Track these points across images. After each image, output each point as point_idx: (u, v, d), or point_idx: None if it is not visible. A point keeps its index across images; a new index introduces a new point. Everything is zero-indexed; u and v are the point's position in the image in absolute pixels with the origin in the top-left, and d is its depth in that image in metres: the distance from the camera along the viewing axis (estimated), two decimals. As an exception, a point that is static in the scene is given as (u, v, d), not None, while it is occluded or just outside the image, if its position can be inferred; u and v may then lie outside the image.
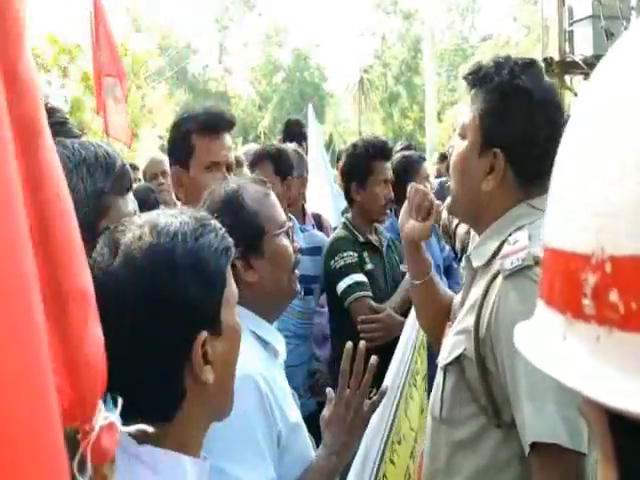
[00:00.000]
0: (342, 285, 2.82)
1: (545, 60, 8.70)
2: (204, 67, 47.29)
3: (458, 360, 1.46)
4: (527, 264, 1.34)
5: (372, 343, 2.71)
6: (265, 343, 1.62)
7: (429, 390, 2.48)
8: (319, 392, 2.94)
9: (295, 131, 5.20)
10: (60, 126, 2.05)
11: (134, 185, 3.48)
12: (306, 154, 5.13)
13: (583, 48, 8.40)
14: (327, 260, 2.92)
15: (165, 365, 1.01)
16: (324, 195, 4.42)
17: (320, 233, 3.35)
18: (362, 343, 1.63)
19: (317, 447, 2.80)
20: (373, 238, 3.03)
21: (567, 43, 8.74)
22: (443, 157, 5.78)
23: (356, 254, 2.89)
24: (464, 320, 1.49)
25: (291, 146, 3.49)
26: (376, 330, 2.74)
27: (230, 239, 1.12)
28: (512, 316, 1.32)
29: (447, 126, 31.19)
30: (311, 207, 4.13)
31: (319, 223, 3.69)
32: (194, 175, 2.15)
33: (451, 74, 42.85)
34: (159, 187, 4.36)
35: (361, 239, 2.97)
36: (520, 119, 1.48)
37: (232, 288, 1.11)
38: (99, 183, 1.35)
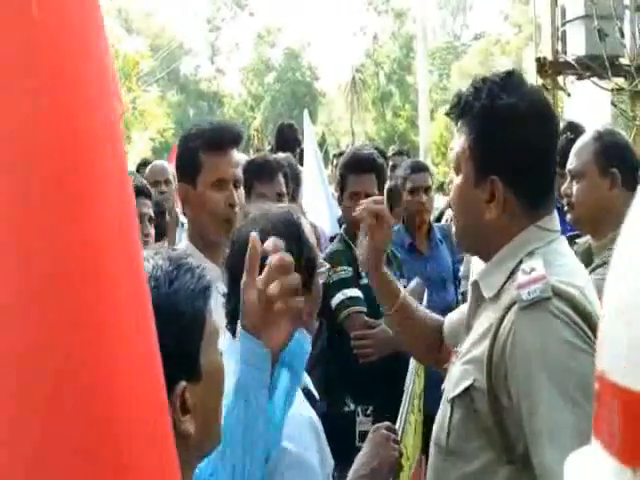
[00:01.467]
0: (336, 300, 2.76)
1: (538, 60, 8.65)
2: (196, 67, 47.19)
3: (467, 391, 1.40)
4: (546, 296, 1.28)
5: (367, 359, 2.67)
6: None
7: (424, 406, 2.42)
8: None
9: (288, 136, 5.12)
10: None
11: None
12: (300, 160, 5.07)
13: (576, 48, 8.35)
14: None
15: None
16: (320, 203, 4.36)
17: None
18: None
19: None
20: None
21: (560, 43, 8.69)
22: (400, 152, 5.78)
23: (351, 268, 2.83)
24: (473, 349, 1.43)
25: (282, 156, 3.43)
26: (370, 346, 2.69)
27: (208, 276, 1.06)
28: (529, 351, 1.28)
29: (439, 125, 31.18)
30: (308, 216, 4.07)
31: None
32: (201, 192, 2.11)
33: (443, 72, 42.85)
34: (161, 195, 4.23)
35: (357, 253, 2.91)
36: (510, 139, 1.42)
37: (213, 326, 1.06)
38: None
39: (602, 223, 2.20)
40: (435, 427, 1.53)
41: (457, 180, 1.51)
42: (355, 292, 2.78)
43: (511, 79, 1.45)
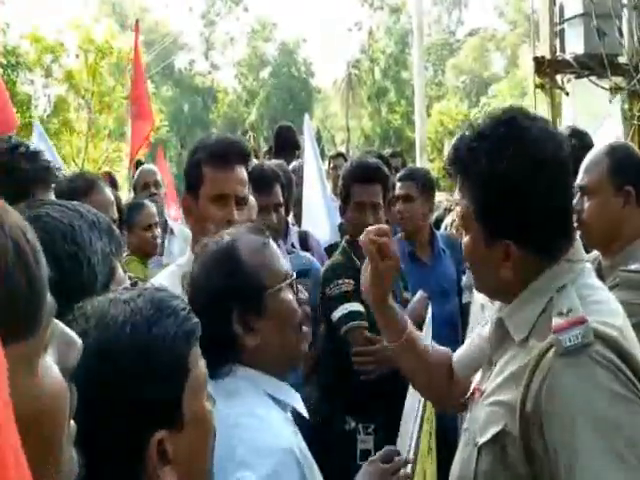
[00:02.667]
0: (337, 314, 2.69)
1: (536, 59, 8.60)
2: (190, 62, 46.99)
3: (497, 437, 1.30)
4: (588, 342, 1.19)
5: (367, 376, 2.60)
6: (280, 403, 1.48)
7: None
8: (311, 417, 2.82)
9: (287, 138, 5.03)
10: (45, 172, 1.94)
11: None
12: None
13: (574, 47, 8.30)
14: (323, 287, 2.80)
15: (115, 475, 0.91)
16: (320, 209, 4.29)
17: (306, 253, 3.21)
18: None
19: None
20: None
21: (558, 41, 8.63)
22: (394, 154, 5.73)
23: (353, 281, 2.75)
24: (501, 391, 1.33)
25: (275, 163, 3.37)
26: (371, 362, 2.62)
27: (195, 319, 1.01)
28: (570, 401, 1.18)
29: (434, 121, 31.12)
30: (307, 223, 4.01)
31: (305, 242, 3.54)
32: (202, 205, 2.06)
33: (438, 68, 42.78)
34: (151, 198, 4.26)
35: (359, 265, 2.83)
36: (518, 205, 1.32)
37: (199, 372, 1.00)
38: (107, 246, 1.25)
39: (614, 241, 2.13)
40: (456, 472, 1.44)
41: (467, 238, 1.43)
42: (356, 306, 2.71)
43: (511, 129, 1.34)
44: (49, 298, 0.62)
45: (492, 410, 1.34)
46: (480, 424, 1.36)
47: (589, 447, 1.16)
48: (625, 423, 1.17)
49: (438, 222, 4.51)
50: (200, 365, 1.01)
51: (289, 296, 1.50)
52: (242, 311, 1.42)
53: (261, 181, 2.66)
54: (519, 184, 1.31)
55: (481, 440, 1.34)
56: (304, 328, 1.54)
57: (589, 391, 1.19)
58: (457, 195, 1.46)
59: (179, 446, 0.95)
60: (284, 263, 1.54)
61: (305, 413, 1.52)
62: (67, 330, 0.69)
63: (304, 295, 1.58)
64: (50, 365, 0.64)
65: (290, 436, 1.38)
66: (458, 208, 1.46)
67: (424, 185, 3.62)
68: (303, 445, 1.43)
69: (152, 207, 3.82)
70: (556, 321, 1.25)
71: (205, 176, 2.06)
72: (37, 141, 4.92)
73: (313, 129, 6.06)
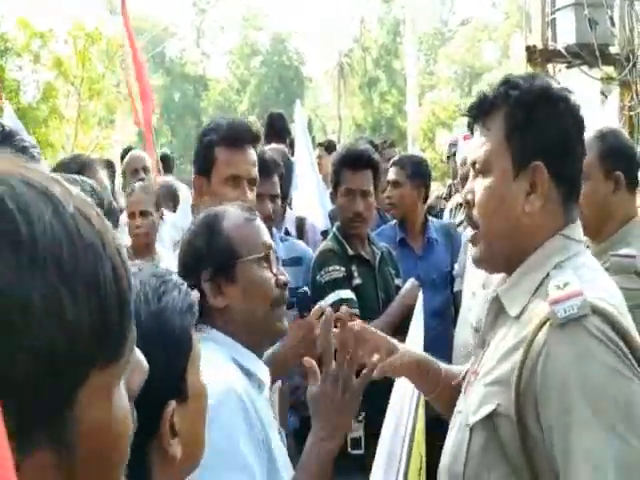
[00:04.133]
0: (327, 301, 2.67)
1: (528, 48, 8.58)
2: (182, 51, 46.65)
3: (489, 417, 1.30)
4: (583, 313, 1.20)
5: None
6: (249, 374, 1.50)
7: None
8: (301, 408, 2.82)
9: (278, 126, 5.02)
10: (22, 152, 1.91)
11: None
12: (291, 150, 4.98)
13: (566, 36, 8.29)
14: (314, 273, 2.79)
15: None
16: (312, 196, 4.28)
17: (300, 242, 3.19)
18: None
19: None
20: (366, 250, 2.88)
21: (550, 31, 8.62)
22: (392, 144, 5.66)
23: (343, 268, 2.74)
24: (496, 369, 1.33)
25: (274, 147, 3.34)
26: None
27: (193, 294, 1.03)
28: (565, 373, 1.18)
29: (426, 110, 31.10)
30: (299, 209, 4.00)
31: (301, 228, 3.53)
32: (214, 186, 2.12)
33: (430, 58, 42.69)
34: (139, 182, 4.22)
35: (350, 252, 2.82)
36: (548, 122, 1.39)
37: (197, 346, 1.01)
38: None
39: (604, 227, 2.13)
40: (447, 456, 1.43)
41: (486, 181, 1.42)
42: (347, 293, 2.70)
43: (528, 76, 1.46)
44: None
45: (488, 390, 1.33)
46: (475, 404, 1.35)
47: (583, 421, 1.16)
48: (620, 397, 1.17)
49: (430, 209, 4.49)
50: (196, 340, 1.02)
51: (263, 271, 1.57)
52: (213, 272, 1.52)
53: (260, 168, 2.65)
54: (549, 102, 1.39)
55: (473, 419, 1.34)
56: (280, 307, 1.59)
57: (584, 364, 1.19)
58: (476, 142, 1.45)
59: (182, 418, 0.95)
60: (265, 240, 1.60)
61: (267, 382, 1.55)
62: (137, 352, 0.67)
63: (285, 277, 1.62)
64: (123, 390, 0.61)
65: (239, 384, 1.40)
66: (476, 156, 1.44)
67: (413, 171, 3.59)
68: (263, 411, 1.44)
69: (140, 194, 3.55)
70: (552, 293, 1.26)
71: (218, 158, 2.10)
72: (8, 122, 4.86)
73: (305, 117, 6.04)
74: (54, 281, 0.49)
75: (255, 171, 2.15)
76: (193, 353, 1.00)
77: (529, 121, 1.39)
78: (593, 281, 1.30)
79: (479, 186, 1.43)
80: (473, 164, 1.44)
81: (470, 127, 1.51)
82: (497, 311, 1.42)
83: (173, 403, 0.93)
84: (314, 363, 1.52)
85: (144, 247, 3.33)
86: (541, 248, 1.37)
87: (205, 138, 2.16)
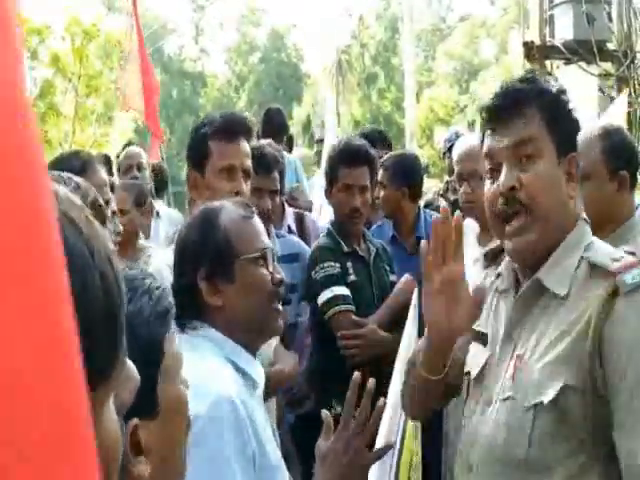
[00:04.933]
0: (323, 297, 2.67)
1: (525, 44, 8.58)
2: (180, 47, 46.56)
3: (557, 396, 1.33)
4: None
5: (352, 360, 2.59)
6: (243, 374, 1.50)
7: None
8: (297, 406, 2.82)
9: (276, 121, 5.01)
10: None
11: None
12: (289, 145, 4.97)
13: (564, 32, 8.28)
14: (309, 270, 2.78)
15: None
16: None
17: (296, 239, 3.18)
18: (372, 381, 1.51)
19: (297, 457, 2.65)
20: (361, 247, 2.87)
21: (547, 27, 8.61)
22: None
23: (338, 264, 2.74)
24: (554, 347, 1.37)
25: (267, 142, 3.33)
26: (357, 346, 2.60)
27: (171, 298, 0.98)
28: (634, 335, 1.28)
29: (424, 106, 31.05)
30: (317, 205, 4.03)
31: (300, 223, 3.51)
32: (208, 179, 2.12)
33: (428, 54, 42.61)
34: (134, 180, 4.21)
35: (345, 248, 2.81)
36: (574, 120, 1.53)
37: (174, 354, 0.95)
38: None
39: (606, 225, 2.11)
40: (504, 441, 1.40)
41: (539, 165, 1.46)
42: (343, 290, 2.70)
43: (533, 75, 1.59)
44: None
45: (550, 369, 1.36)
46: (535, 386, 1.37)
47: None
48: None
49: (428, 205, 4.48)
50: (174, 347, 0.96)
51: (260, 269, 1.56)
52: (210, 271, 1.51)
53: (261, 163, 2.63)
54: (568, 102, 1.52)
55: (541, 399, 1.35)
56: (276, 305, 1.59)
57: None
58: (517, 132, 1.48)
59: (153, 434, 0.88)
60: (263, 239, 1.60)
61: (261, 381, 1.54)
62: (129, 363, 0.63)
63: (280, 275, 1.61)
64: (111, 406, 0.57)
65: (234, 387, 1.39)
66: (525, 136, 1.48)
67: (395, 172, 3.38)
68: (256, 411, 1.44)
69: (118, 192, 3.29)
70: (612, 266, 1.35)
71: (211, 149, 2.11)
72: None
73: (302, 114, 6.04)
74: None
75: (249, 163, 2.15)
76: (168, 363, 0.94)
77: (563, 115, 1.50)
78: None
79: (530, 169, 1.46)
80: (516, 146, 1.46)
81: (469, 126, 1.54)
82: (535, 296, 1.46)
83: (134, 420, 0.85)
84: (330, 419, 1.52)
85: (122, 246, 3.24)
86: (574, 231, 1.46)
87: (199, 132, 2.17)
